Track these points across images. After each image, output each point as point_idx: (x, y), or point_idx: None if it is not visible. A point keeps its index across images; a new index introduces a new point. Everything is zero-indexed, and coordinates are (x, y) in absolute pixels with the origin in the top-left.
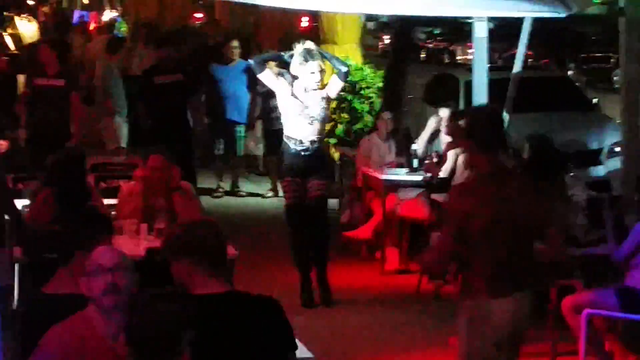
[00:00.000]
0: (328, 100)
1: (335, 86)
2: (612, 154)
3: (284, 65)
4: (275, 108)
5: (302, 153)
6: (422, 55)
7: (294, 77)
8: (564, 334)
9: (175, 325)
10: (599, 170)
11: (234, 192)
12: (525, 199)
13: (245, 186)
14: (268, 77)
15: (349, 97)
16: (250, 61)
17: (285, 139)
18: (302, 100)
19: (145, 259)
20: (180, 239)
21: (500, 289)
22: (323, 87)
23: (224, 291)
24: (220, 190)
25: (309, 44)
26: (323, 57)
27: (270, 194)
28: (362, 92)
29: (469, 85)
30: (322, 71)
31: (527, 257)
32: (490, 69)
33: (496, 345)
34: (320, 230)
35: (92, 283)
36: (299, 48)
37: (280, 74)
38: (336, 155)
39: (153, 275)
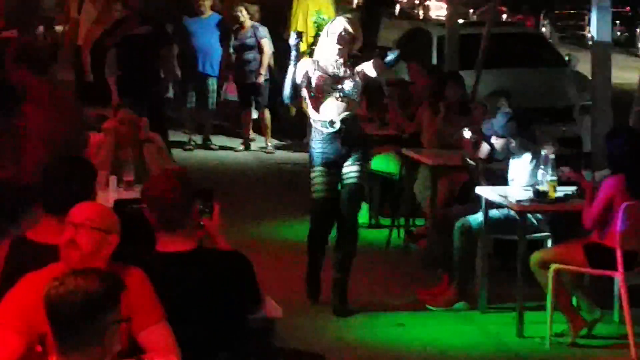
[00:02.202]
0: (363, 77)
1: (374, 67)
2: (583, 111)
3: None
4: (249, 62)
5: (335, 135)
6: (395, 10)
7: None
8: (532, 289)
9: (92, 304)
10: (571, 127)
11: (205, 145)
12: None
13: (217, 139)
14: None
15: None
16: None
17: (312, 123)
18: (330, 73)
19: (114, 210)
20: (144, 192)
21: None
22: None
23: (182, 250)
24: (192, 143)
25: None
26: None
27: (241, 147)
28: None
29: (441, 41)
30: (350, 35)
31: None
32: (464, 25)
33: None
34: (349, 227)
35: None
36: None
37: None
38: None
39: (121, 227)
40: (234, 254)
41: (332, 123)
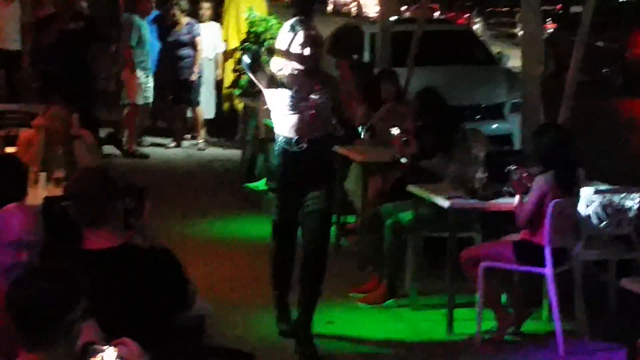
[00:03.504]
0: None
1: None
2: (514, 108)
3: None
4: (182, 58)
5: (300, 155)
6: (329, 7)
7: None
8: (462, 286)
9: (59, 305)
10: (501, 125)
11: (137, 142)
12: None
13: (150, 137)
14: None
15: (254, 47)
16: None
17: (276, 138)
18: (294, 86)
19: (43, 207)
20: (67, 189)
21: None
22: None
23: (107, 247)
24: (123, 140)
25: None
26: None
27: (173, 144)
28: (266, 43)
29: (374, 38)
30: (315, 43)
31: None
32: (396, 22)
33: None
34: (314, 262)
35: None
36: (286, 23)
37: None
38: (240, 106)
39: (51, 224)
40: (161, 251)
41: (297, 142)
